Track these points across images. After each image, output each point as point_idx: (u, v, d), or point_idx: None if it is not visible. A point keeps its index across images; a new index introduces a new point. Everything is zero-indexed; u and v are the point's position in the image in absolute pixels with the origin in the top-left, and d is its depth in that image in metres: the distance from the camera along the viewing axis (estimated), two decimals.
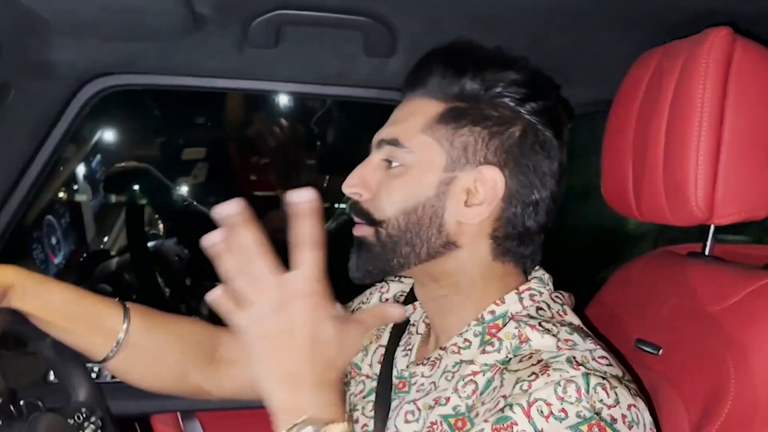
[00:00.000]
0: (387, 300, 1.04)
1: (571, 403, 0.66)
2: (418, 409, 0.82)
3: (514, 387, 0.69)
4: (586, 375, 0.68)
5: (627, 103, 0.96)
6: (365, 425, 0.92)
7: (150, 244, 2.23)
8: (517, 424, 0.66)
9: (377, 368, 0.94)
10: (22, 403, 0.88)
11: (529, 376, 0.69)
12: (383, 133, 0.85)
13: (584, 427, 0.65)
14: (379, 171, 0.84)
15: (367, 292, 1.07)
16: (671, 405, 0.84)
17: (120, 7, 0.95)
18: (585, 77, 1.16)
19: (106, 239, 2.63)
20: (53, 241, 2.01)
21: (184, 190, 2.94)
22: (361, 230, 0.85)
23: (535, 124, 0.82)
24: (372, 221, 0.83)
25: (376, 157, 0.85)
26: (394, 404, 0.87)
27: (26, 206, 1.17)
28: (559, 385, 0.67)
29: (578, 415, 0.65)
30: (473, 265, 0.83)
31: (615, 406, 0.67)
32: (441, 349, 0.84)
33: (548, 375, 0.68)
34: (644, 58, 0.97)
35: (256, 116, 2.95)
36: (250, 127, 3.07)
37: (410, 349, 0.92)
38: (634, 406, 0.69)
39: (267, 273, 0.63)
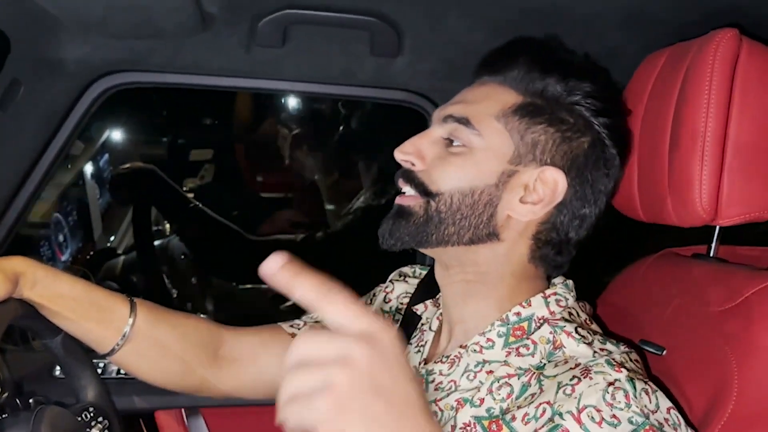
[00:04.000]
0: (390, 300, 1.03)
1: (621, 409, 0.65)
2: (440, 410, 0.81)
3: (557, 393, 0.69)
4: (631, 379, 0.67)
5: (633, 103, 0.96)
6: None
7: (156, 242, 2.25)
8: (569, 431, 0.65)
9: None
10: (27, 396, 0.89)
11: (570, 380, 0.68)
12: (452, 109, 0.84)
13: None
14: (437, 146, 0.84)
15: (372, 292, 1.07)
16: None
17: (128, 5, 0.96)
18: None
19: (112, 238, 2.65)
20: (60, 238, 2.02)
21: (190, 191, 2.95)
22: (409, 200, 0.83)
23: (603, 138, 0.82)
24: (425, 192, 0.82)
25: (437, 131, 0.84)
26: None
27: (34, 202, 1.18)
28: (607, 392, 0.66)
29: (630, 421, 0.65)
30: (508, 261, 0.82)
31: (657, 411, 0.67)
32: (461, 347, 0.83)
33: (590, 378, 0.67)
34: (650, 59, 0.97)
35: (265, 119, 2.95)
36: (258, 129, 3.08)
37: (423, 346, 0.91)
38: (672, 408, 0.69)
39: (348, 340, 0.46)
